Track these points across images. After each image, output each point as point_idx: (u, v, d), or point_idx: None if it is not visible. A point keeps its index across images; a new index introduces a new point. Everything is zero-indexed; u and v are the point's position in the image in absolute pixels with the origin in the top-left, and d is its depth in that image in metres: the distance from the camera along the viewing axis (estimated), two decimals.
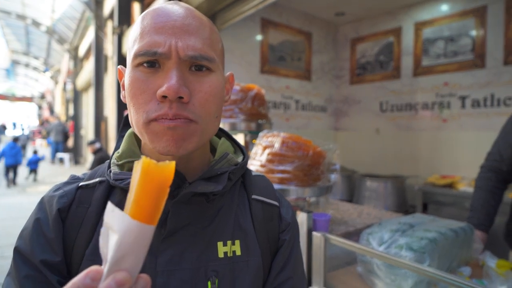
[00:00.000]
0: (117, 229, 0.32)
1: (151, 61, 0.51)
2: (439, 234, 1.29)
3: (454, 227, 1.39)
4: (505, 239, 1.70)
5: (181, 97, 0.49)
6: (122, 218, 0.32)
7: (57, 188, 0.60)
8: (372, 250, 1.18)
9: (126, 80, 0.54)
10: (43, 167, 11.81)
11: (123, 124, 0.66)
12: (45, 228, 0.55)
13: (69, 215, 0.56)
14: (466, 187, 3.23)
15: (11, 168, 8.31)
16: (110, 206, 0.33)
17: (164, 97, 0.49)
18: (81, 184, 0.60)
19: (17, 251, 0.54)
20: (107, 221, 0.33)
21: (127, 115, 0.67)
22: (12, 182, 8.33)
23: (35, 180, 9.02)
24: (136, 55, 0.51)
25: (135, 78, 0.52)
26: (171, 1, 0.57)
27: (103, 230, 0.34)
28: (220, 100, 0.56)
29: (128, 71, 0.54)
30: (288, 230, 0.65)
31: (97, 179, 0.60)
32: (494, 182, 1.70)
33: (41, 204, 0.58)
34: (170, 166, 0.36)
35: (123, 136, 0.64)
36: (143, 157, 0.35)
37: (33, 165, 8.89)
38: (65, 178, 0.64)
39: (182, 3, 0.57)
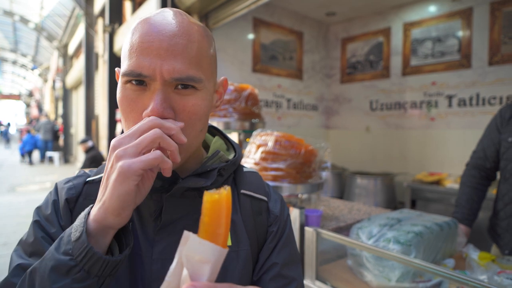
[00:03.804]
0: (209, 259, 0.38)
1: (137, 80, 0.54)
2: (424, 228, 1.35)
3: (439, 221, 1.46)
4: (488, 232, 1.78)
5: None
6: (213, 248, 0.38)
7: (68, 180, 0.65)
8: (361, 244, 1.23)
9: (118, 93, 0.57)
10: (33, 167, 11.66)
11: None
12: (55, 208, 0.61)
13: (77, 207, 0.62)
14: (452, 183, 3.33)
15: (30, 152, 12.36)
16: (193, 237, 0.39)
17: None
18: (88, 179, 0.65)
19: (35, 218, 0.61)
20: (191, 253, 0.38)
21: None
22: (30, 163, 12.27)
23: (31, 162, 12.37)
24: (123, 74, 0.54)
25: (124, 95, 0.55)
26: (165, 10, 0.58)
27: (180, 261, 0.39)
28: (204, 116, 0.59)
29: (119, 84, 0.57)
30: (276, 222, 0.69)
31: (101, 176, 0.64)
32: (478, 179, 1.78)
33: (56, 190, 0.64)
34: (227, 194, 0.40)
35: None
36: (206, 193, 0.40)
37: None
38: (55, 177, 0.68)
39: (175, 12, 0.57)
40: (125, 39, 0.58)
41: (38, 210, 0.62)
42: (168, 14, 0.56)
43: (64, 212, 0.60)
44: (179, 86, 0.54)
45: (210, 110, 0.62)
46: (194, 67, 0.54)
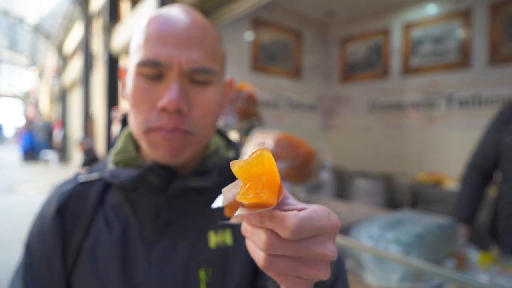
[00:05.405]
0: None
1: (153, 71, 0.53)
2: (425, 228, 1.34)
3: (440, 222, 1.45)
4: (488, 233, 1.77)
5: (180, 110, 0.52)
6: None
7: (60, 185, 0.64)
8: (362, 245, 1.22)
9: (129, 85, 0.56)
10: (29, 167, 11.63)
11: (123, 123, 0.69)
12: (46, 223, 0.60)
13: (69, 209, 0.60)
14: (452, 184, 3.33)
15: (30, 151, 13.11)
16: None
17: (164, 108, 0.52)
18: (79, 177, 0.64)
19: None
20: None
21: (125, 114, 0.69)
22: (31, 158, 12.98)
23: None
24: (139, 64, 0.53)
25: (137, 86, 0.54)
26: (177, 6, 0.58)
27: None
28: (217, 111, 0.59)
29: (131, 76, 0.56)
30: None
31: (95, 176, 0.64)
32: (478, 179, 1.77)
33: (50, 197, 0.63)
34: (264, 155, 0.31)
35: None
36: (231, 164, 0.32)
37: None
38: (51, 177, 0.67)
39: (187, 8, 0.58)
40: (136, 34, 0.57)
41: (28, 245, 0.61)
42: (182, 9, 0.57)
43: (53, 231, 0.59)
44: (195, 79, 0.54)
45: (221, 108, 0.61)
46: (210, 59, 0.54)
